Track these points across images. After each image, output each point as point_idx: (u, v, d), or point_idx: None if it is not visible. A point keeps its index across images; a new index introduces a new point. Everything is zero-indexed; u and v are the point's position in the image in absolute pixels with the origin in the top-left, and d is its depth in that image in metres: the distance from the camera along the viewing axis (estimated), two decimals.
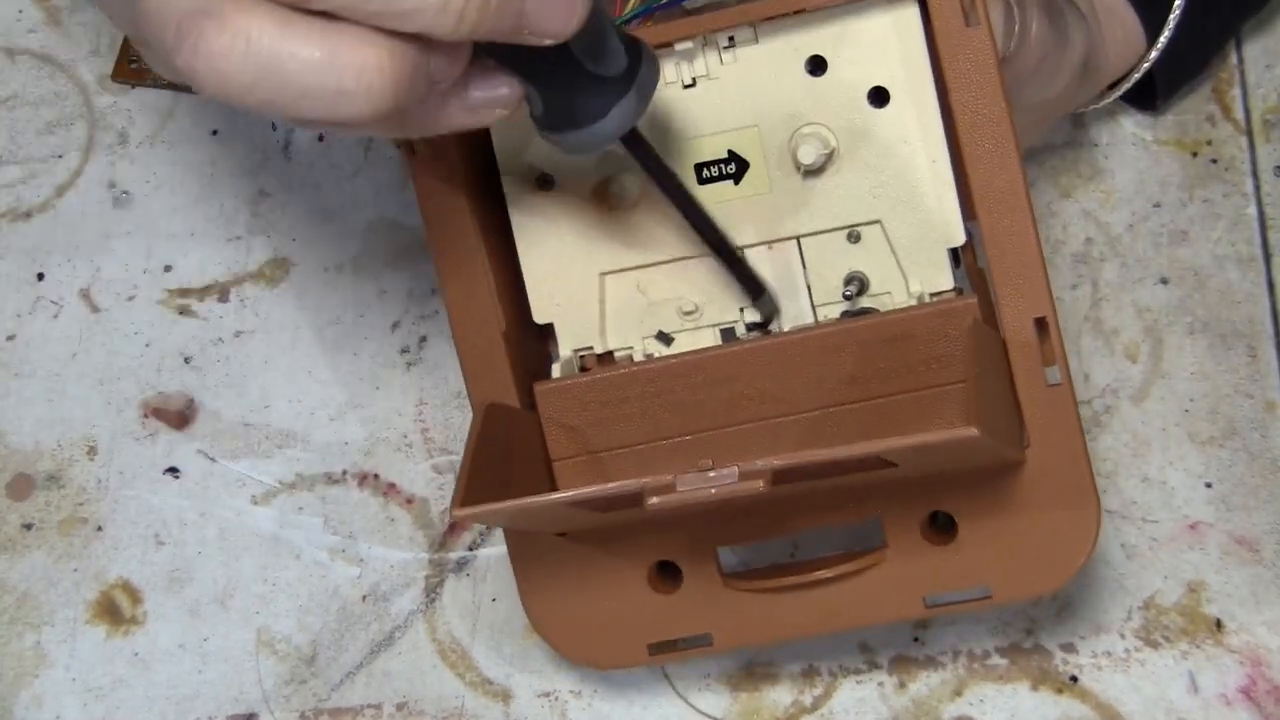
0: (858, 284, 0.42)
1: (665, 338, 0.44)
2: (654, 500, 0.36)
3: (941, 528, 0.42)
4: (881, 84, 0.41)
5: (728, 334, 0.43)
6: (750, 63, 0.42)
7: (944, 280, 0.42)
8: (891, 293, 0.42)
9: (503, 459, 0.41)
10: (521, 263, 0.43)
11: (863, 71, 0.41)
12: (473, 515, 0.37)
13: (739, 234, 0.42)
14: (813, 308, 0.43)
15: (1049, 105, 0.47)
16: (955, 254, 0.42)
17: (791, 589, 0.42)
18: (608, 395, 0.43)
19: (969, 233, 0.42)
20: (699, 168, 0.42)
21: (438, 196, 0.43)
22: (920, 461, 0.39)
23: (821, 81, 0.42)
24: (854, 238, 0.42)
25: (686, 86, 0.42)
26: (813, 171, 0.42)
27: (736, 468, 0.36)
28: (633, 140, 0.38)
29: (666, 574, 0.43)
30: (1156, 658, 0.48)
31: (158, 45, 0.31)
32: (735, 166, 0.42)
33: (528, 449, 0.43)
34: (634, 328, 0.44)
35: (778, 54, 0.42)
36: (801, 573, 0.42)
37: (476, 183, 0.43)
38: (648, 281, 0.43)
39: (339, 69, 0.30)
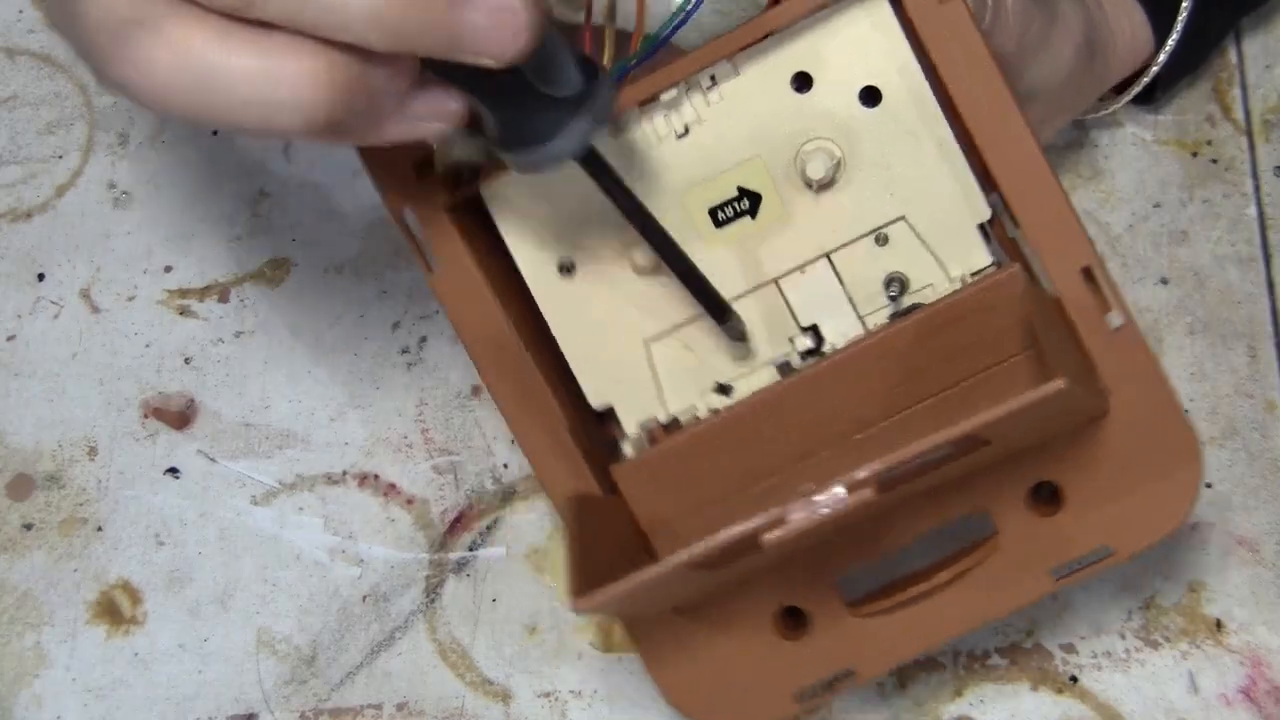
0: (898, 284, 0.42)
1: (724, 388, 0.43)
2: (771, 536, 0.35)
3: (1047, 499, 0.41)
4: (870, 83, 0.41)
5: (784, 368, 0.43)
6: (737, 96, 0.41)
7: (981, 258, 0.42)
8: (933, 284, 0.42)
9: (600, 547, 0.40)
10: (565, 353, 0.43)
11: (848, 75, 0.41)
12: (594, 604, 0.36)
13: (769, 266, 0.42)
14: (860, 319, 0.42)
15: (1057, 95, 0.47)
16: (985, 230, 0.42)
17: (919, 599, 0.41)
18: (684, 459, 0.43)
19: (992, 205, 0.41)
20: (713, 212, 0.42)
21: (466, 309, 0.42)
22: (1014, 432, 0.38)
23: (811, 95, 0.41)
24: (882, 240, 0.42)
25: (680, 136, 0.42)
26: (825, 185, 0.42)
27: (842, 484, 0.35)
28: (590, 162, 0.37)
29: (792, 619, 0.43)
30: (1156, 658, 0.48)
31: (93, 56, 0.31)
32: (748, 201, 0.42)
33: (620, 532, 0.42)
34: (691, 386, 0.43)
35: (762, 80, 0.41)
36: (924, 580, 0.42)
37: (500, 285, 0.42)
38: (692, 337, 0.43)
39: (276, 79, 0.30)
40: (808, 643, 0.42)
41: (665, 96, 0.41)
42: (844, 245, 0.42)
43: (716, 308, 0.41)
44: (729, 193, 0.42)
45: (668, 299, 0.43)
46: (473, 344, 0.42)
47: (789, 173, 0.42)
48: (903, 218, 0.42)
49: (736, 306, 0.42)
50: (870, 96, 0.41)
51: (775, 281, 0.42)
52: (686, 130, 0.42)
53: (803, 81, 0.41)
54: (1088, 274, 0.40)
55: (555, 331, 0.43)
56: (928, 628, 0.42)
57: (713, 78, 0.41)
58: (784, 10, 0.40)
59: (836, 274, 0.42)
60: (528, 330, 0.43)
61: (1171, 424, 0.40)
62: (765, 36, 0.41)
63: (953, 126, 0.41)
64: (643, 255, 0.42)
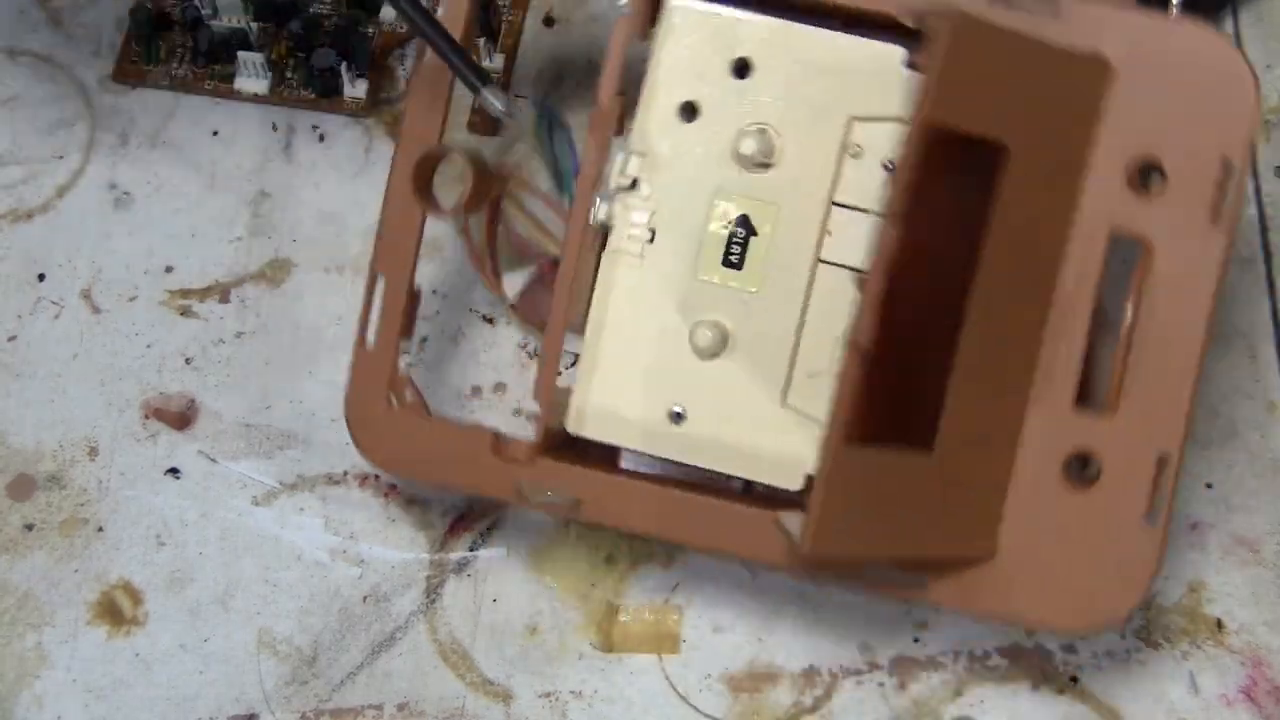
0: (891, 164, 0.42)
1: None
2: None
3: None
4: (740, 56, 0.42)
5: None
6: (659, 162, 0.43)
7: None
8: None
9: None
10: (739, 475, 0.43)
11: (714, 73, 0.42)
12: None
13: (802, 254, 0.42)
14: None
15: None
16: (912, 65, 0.42)
17: (1128, 341, 0.42)
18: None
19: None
20: (726, 262, 0.42)
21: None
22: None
23: (702, 120, 0.42)
24: (856, 151, 0.42)
25: (650, 242, 0.43)
26: (770, 154, 0.42)
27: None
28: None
29: (1079, 466, 0.42)
30: (1157, 658, 0.48)
31: None
32: (741, 229, 0.42)
33: None
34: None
35: (663, 130, 0.43)
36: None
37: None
38: (807, 359, 0.43)
39: None
40: (1107, 474, 0.42)
41: (601, 215, 0.42)
42: (835, 181, 0.42)
43: (475, 75, 0.43)
44: (722, 237, 0.42)
45: (759, 358, 0.43)
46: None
47: (745, 177, 0.42)
48: (851, 118, 0.42)
49: (808, 307, 0.42)
50: (741, 70, 0.42)
51: (818, 259, 0.42)
52: (652, 233, 0.43)
53: (689, 111, 0.42)
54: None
55: (715, 468, 0.43)
56: (1171, 364, 0.41)
57: (630, 177, 0.42)
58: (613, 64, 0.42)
59: (850, 206, 0.42)
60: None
61: (1188, 47, 0.41)
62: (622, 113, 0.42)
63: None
64: (701, 342, 0.42)
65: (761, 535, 0.42)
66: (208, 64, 0.56)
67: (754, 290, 0.43)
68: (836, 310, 0.42)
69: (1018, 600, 0.42)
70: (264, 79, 0.55)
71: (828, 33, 0.42)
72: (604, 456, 0.44)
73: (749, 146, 0.42)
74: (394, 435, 0.45)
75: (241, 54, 0.55)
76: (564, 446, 0.44)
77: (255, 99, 0.56)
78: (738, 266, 0.43)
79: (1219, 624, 0.48)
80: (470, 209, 0.46)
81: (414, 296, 0.45)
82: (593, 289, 0.43)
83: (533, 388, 0.43)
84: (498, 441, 0.44)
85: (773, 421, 0.43)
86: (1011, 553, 0.42)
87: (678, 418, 0.43)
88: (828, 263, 0.42)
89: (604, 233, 0.43)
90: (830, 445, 0.37)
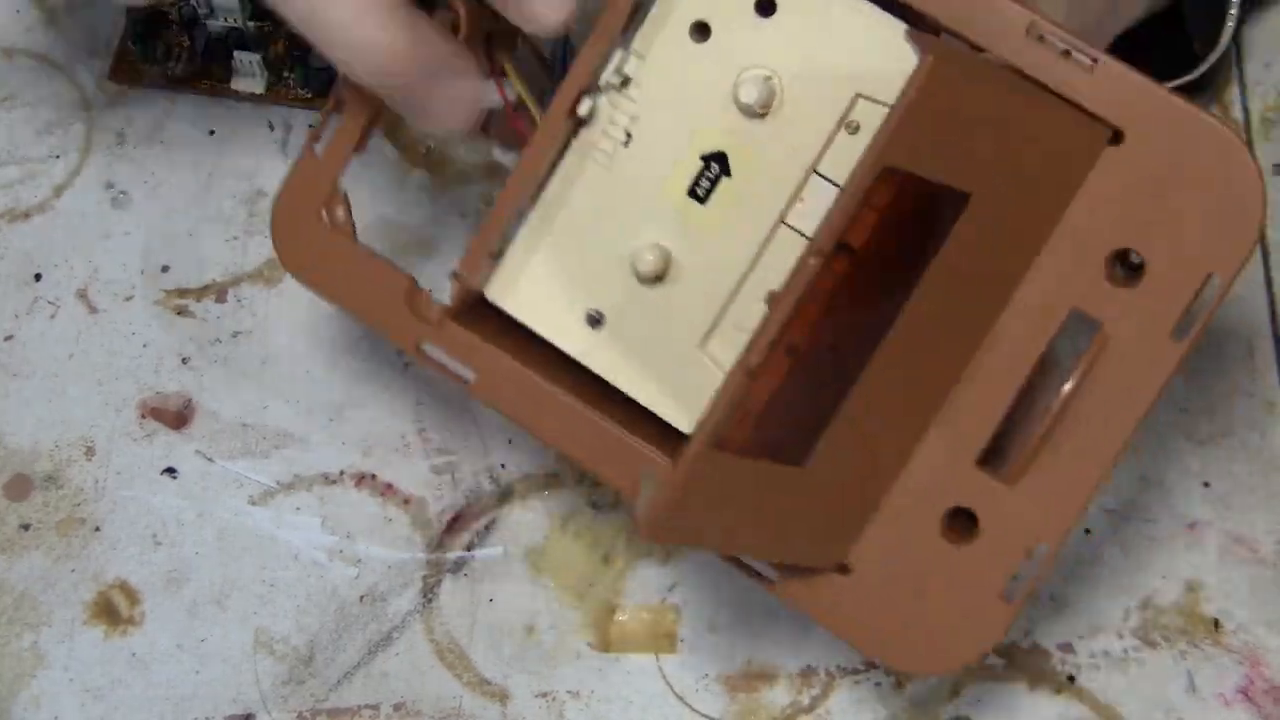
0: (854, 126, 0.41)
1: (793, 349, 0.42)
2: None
3: (1127, 268, 0.40)
4: None
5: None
6: (652, 78, 0.41)
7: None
8: None
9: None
10: (633, 396, 0.43)
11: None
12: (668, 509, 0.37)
13: (769, 210, 0.41)
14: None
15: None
16: None
17: (1056, 427, 0.40)
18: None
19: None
20: (693, 193, 0.42)
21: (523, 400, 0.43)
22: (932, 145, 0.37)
23: (715, 40, 0.41)
24: (853, 128, 0.41)
25: (626, 143, 0.42)
26: (769, 106, 0.41)
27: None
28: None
29: (958, 519, 0.41)
30: (1154, 657, 0.48)
31: None
32: (717, 165, 0.41)
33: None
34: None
35: (665, 52, 0.41)
36: (1047, 408, 0.40)
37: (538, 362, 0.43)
38: (739, 318, 0.42)
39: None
40: (986, 537, 0.40)
41: (583, 109, 0.41)
42: (823, 151, 0.41)
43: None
44: (695, 167, 0.41)
45: (693, 295, 0.42)
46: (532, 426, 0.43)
47: (736, 118, 0.41)
48: (858, 95, 0.41)
49: (758, 263, 0.41)
50: (765, 7, 0.41)
51: (781, 221, 0.41)
52: (629, 136, 0.42)
53: (701, 31, 0.41)
54: (1032, 29, 0.39)
55: (613, 381, 0.42)
56: (1084, 459, 0.40)
57: (622, 75, 0.41)
58: None
59: (830, 180, 0.41)
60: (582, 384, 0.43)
61: (1202, 138, 0.38)
62: (635, 10, 0.40)
63: None
64: (642, 263, 0.42)
65: (632, 471, 0.42)
66: (204, 64, 0.56)
67: (710, 229, 0.42)
68: (784, 275, 0.42)
69: (858, 622, 0.41)
70: (261, 78, 0.55)
71: (866, 2, 0.41)
72: (515, 346, 0.44)
73: (749, 94, 0.41)
74: (317, 250, 0.44)
75: (238, 54, 0.55)
76: (477, 320, 0.43)
77: (252, 98, 0.56)
78: (701, 201, 0.42)
79: (1216, 623, 0.48)
80: (469, 39, 0.44)
81: (378, 112, 0.44)
82: (553, 170, 0.42)
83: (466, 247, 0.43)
84: (413, 290, 0.44)
85: (685, 359, 0.42)
86: (867, 578, 0.41)
87: (595, 323, 0.42)
88: (791, 227, 0.42)
89: (580, 124, 0.42)
90: (691, 452, 0.37)
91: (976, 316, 0.40)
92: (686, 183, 0.42)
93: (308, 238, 0.44)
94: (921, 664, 0.41)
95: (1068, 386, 0.39)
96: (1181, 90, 0.51)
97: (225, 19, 0.55)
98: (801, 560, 0.41)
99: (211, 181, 0.55)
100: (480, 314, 0.43)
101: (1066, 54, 0.39)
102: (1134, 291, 0.39)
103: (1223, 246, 0.39)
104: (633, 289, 0.42)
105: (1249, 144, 0.52)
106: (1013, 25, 0.39)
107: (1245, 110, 0.53)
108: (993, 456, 0.41)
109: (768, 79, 0.41)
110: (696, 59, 0.41)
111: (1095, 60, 0.39)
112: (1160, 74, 0.50)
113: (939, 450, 0.41)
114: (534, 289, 0.43)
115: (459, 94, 0.41)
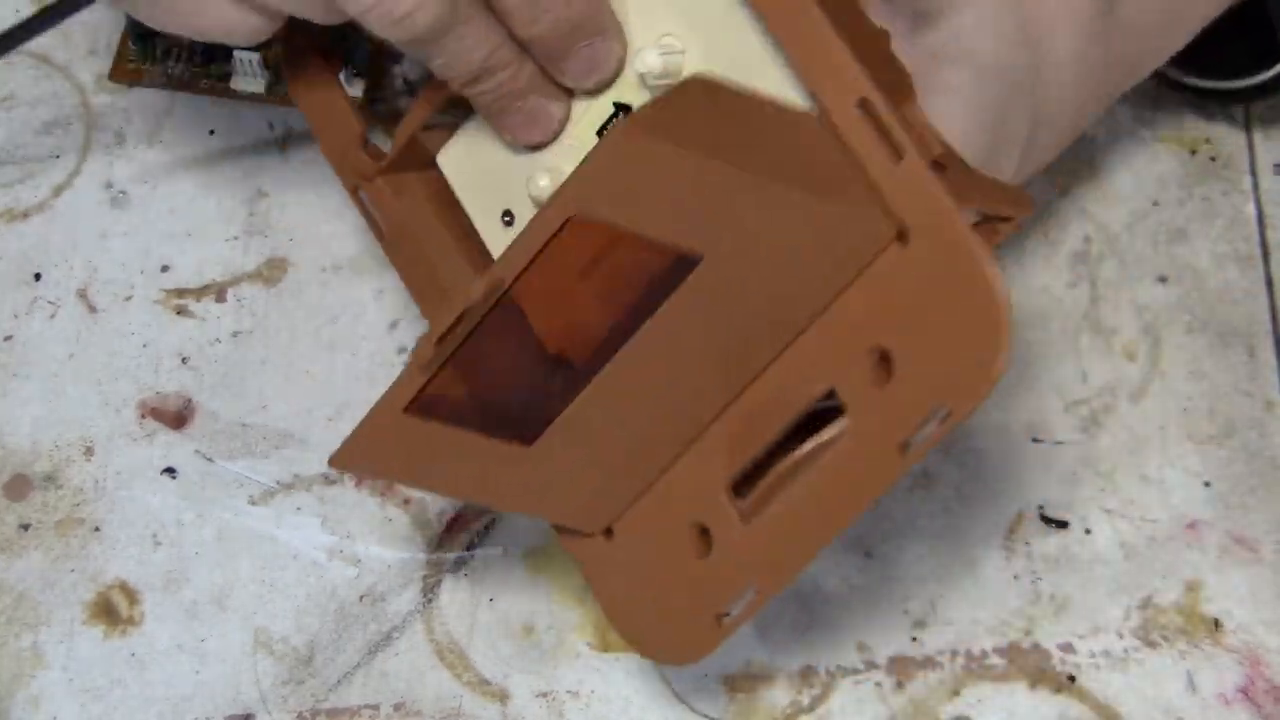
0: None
1: None
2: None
3: (884, 367, 0.37)
4: None
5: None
6: None
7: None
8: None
9: None
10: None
11: None
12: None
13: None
14: None
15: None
16: None
17: (793, 481, 0.39)
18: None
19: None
20: (600, 133, 0.42)
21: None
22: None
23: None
24: None
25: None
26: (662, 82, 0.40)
27: None
28: None
29: (705, 535, 0.41)
30: (1155, 657, 0.48)
31: None
32: (624, 116, 0.41)
33: None
34: None
35: None
36: (791, 454, 0.39)
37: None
38: None
39: None
40: (716, 560, 0.40)
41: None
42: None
43: None
44: (605, 111, 0.42)
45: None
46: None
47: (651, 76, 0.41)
48: (682, 51, 0.40)
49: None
50: None
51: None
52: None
53: None
54: (864, 105, 0.36)
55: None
56: (802, 528, 0.39)
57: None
58: None
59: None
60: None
61: (965, 268, 0.35)
62: None
63: None
64: (536, 182, 0.43)
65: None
66: (204, 63, 0.56)
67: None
68: None
69: (610, 585, 0.43)
70: (261, 78, 0.55)
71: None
72: (440, 216, 0.46)
73: (651, 62, 0.40)
74: (311, 75, 0.48)
75: (238, 53, 0.55)
76: (417, 186, 0.46)
77: (252, 98, 0.56)
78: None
79: (1217, 623, 0.48)
80: None
81: None
82: None
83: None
84: (363, 139, 0.46)
85: None
86: (624, 550, 0.42)
87: (508, 222, 0.44)
88: None
89: None
90: (376, 412, 0.40)
91: (740, 358, 0.39)
92: (598, 124, 0.42)
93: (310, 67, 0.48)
94: (644, 647, 0.42)
95: (802, 451, 0.39)
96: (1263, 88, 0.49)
97: None
98: (556, 520, 0.43)
99: (211, 181, 0.55)
100: (425, 184, 0.46)
101: (885, 136, 0.36)
102: (883, 393, 0.37)
103: (959, 379, 0.35)
104: (527, 205, 0.43)
105: (1250, 144, 0.52)
106: (849, 89, 0.36)
107: (1245, 109, 0.53)
108: (746, 488, 0.40)
109: (675, 56, 0.40)
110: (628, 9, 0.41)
111: (902, 155, 0.36)
112: (1243, 69, 0.49)
113: (697, 465, 0.41)
114: (473, 168, 0.45)
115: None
